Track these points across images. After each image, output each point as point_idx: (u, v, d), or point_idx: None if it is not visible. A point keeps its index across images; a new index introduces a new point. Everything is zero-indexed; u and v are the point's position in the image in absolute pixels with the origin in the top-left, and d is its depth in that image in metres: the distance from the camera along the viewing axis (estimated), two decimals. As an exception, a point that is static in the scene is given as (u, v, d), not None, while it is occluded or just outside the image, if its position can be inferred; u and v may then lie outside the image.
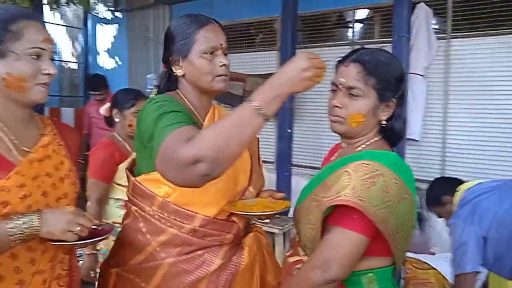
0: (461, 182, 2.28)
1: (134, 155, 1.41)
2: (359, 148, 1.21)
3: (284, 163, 4.29)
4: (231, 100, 4.79)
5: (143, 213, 1.27)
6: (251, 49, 5.18)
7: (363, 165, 1.09)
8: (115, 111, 2.36)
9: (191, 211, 1.23)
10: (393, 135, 1.24)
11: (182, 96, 1.31)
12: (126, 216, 1.37)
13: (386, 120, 1.21)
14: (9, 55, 1.08)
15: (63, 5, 5.94)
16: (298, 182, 4.27)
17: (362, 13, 4.57)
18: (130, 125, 2.29)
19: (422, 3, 3.79)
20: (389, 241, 1.10)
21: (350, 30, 4.56)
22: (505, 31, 3.56)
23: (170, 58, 1.31)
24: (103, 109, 2.46)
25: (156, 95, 1.32)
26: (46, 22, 6.05)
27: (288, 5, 4.03)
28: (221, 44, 1.29)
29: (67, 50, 7.15)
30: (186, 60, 1.28)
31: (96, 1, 6.43)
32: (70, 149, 1.29)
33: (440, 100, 3.85)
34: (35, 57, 1.10)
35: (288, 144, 4.30)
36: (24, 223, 1.03)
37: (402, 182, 1.09)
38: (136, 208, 1.29)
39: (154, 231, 1.25)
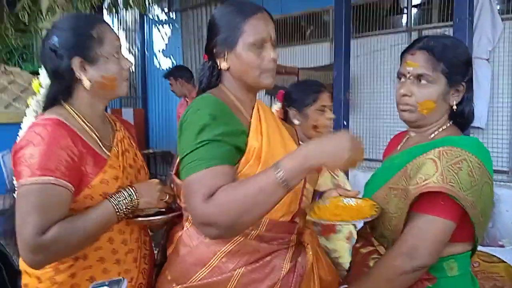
0: None
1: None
2: (433, 136, 1.20)
3: (340, 156, 4.21)
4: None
5: None
6: (303, 42, 5.14)
7: (446, 151, 1.09)
8: (292, 111, 1.89)
9: None
10: (463, 120, 1.22)
11: (227, 92, 1.20)
12: (181, 227, 1.24)
13: (456, 105, 1.19)
14: (99, 59, 1.19)
15: (121, 10, 6.21)
16: (355, 175, 4.20)
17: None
18: (314, 126, 1.86)
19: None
20: (475, 225, 1.10)
21: (405, 16, 4.40)
22: None
23: (215, 50, 1.18)
24: (274, 110, 1.96)
25: (200, 93, 1.22)
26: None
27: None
28: (271, 36, 1.16)
29: (125, 53, 7.47)
30: (232, 52, 1.15)
31: (151, 4, 6.66)
32: (136, 142, 1.42)
33: (506, 85, 3.63)
34: (116, 55, 1.22)
35: (344, 136, 4.22)
36: (125, 198, 1.17)
37: (483, 167, 1.09)
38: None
39: (218, 240, 1.13)
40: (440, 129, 1.21)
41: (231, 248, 1.13)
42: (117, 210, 1.16)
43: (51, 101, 1.23)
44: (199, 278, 1.14)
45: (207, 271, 1.14)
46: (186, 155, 1.05)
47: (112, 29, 1.27)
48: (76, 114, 1.21)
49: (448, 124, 1.21)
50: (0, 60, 2.84)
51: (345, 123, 4.15)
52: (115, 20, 7.36)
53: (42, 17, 5.33)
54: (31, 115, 1.34)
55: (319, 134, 1.79)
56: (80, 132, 1.19)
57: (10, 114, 2.64)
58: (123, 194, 1.18)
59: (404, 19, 4.43)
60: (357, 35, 4.56)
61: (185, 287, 1.15)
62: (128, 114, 6.57)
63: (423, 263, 1.07)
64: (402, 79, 1.20)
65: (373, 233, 1.26)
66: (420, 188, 1.07)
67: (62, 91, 1.22)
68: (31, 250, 1.06)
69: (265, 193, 0.94)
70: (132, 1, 5.98)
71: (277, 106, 2.01)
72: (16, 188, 1.10)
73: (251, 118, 1.19)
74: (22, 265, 1.21)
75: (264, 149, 1.13)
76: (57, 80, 1.21)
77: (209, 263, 1.14)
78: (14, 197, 1.40)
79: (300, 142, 1.42)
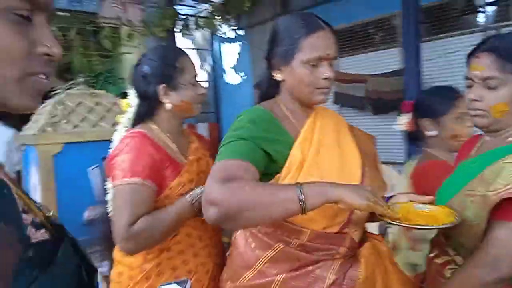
0: None
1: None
2: (510, 139, 1.14)
3: (414, 163, 4.06)
4: (352, 102, 4.74)
5: (250, 228, 1.23)
6: (371, 49, 5.06)
7: None
8: (425, 122, 1.75)
9: (297, 226, 1.14)
10: None
11: (282, 103, 1.24)
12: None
13: None
14: (180, 86, 1.43)
15: (193, 31, 6.55)
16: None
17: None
18: (454, 136, 1.67)
19: None
20: None
21: (480, 15, 4.18)
22: None
23: (273, 61, 1.22)
24: (402, 123, 1.86)
25: (258, 101, 1.29)
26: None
27: (406, -1, 3.86)
28: (328, 54, 1.15)
29: (197, 71, 7.83)
30: (288, 66, 1.17)
31: (220, 23, 6.94)
32: (209, 151, 1.62)
33: None
34: (193, 83, 1.46)
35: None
36: (198, 194, 1.34)
37: None
38: None
39: (261, 246, 1.19)
40: None
41: (272, 254, 1.16)
42: (193, 202, 1.34)
43: (139, 118, 1.47)
44: (246, 279, 1.20)
45: (252, 274, 1.19)
46: (219, 148, 1.11)
47: (191, 60, 1.49)
48: (158, 129, 1.45)
49: None
50: (87, 84, 3.13)
51: (418, 129, 4.00)
52: (189, 40, 7.74)
53: (122, 43, 5.80)
54: (122, 130, 1.55)
55: (460, 144, 1.53)
56: (161, 143, 1.41)
57: (97, 132, 2.89)
58: (197, 191, 1.36)
59: (479, 18, 4.20)
60: (427, 38, 4.40)
61: (235, 286, 1.23)
62: (202, 128, 6.85)
63: (505, 275, 1.01)
64: (469, 83, 1.16)
65: (448, 242, 1.21)
66: (501, 194, 1.02)
67: (148, 110, 1.46)
68: (124, 238, 1.27)
69: (281, 202, 0.95)
70: (203, 23, 6.30)
71: (405, 118, 1.84)
72: (112, 189, 1.36)
73: (302, 128, 1.20)
74: (116, 255, 1.45)
75: (308, 159, 1.13)
76: (144, 101, 1.46)
77: (254, 266, 1.19)
78: (105, 206, 1.62)
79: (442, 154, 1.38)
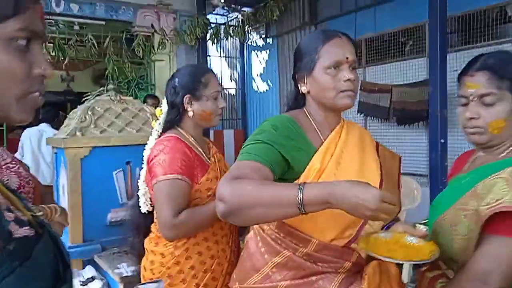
0: None
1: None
2: (503, 155, 1.16)
3: (437, 176, 4.00)
4: (378, 112, 4.72)
5: (261, 232, 1.27)
6: (399, 59, 5.03)
7: None
8: None
9: (306, 234, 1.17)
10: None
11: (307, 114, 1.28)
12: (248, 231, 1.38)
13: None
14: (202, 98, 1.65)
15: (223, 39, 6.70)
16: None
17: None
18: None
19: None
20: None
21: (508, 25, 4.09)
22: None
23: (297, 75, 1.29)
24: None
25: (285, 111, 1.34)
26: (209, 56, 6.93)
27: (434, 8, 3.83)
28: (347, 58, 1.20)
29: (227, 78, 7.97)
30: (311, 76, 1.23)
31: (249, 32, 7.06)
32: (223, 155, 1.87)
33: None
34: (214, 97, 1.67)
35: (442, 155, 4.01)
36: None
37: None
38: (256, 226, 1.30)
39: (270, 251, 1.22)
40: (511, 148, 1.17)
41: (279, 260, 1.19)
42: None
43: (168, 124, 1.70)
44: (253, 282, 1.24)
45: (259, 277, 1.23)
46: (242, 149, 1.16)
47: (216, 77, 1.72)
48: (186, 133, 1.68)
49: None
50: (119, 90, 3.28)
51: (442, 141, 3.95)
52: (219, 48, 7.90)
53: (154, 51, 6.01)
54: (155, 134, 1.75)
55: None
56: (191, 145, 1.64)
57: (123, 137, 3.01)
58: None
59: (508, 29, 4.11)
60: (454, 48, 4.34)
61: (243, 286, 1.28)
62: (229, 135, 6.97)
63: None
64: (464, 101, 1.18)
65: (440, 256, 1.24)
66: (493, 208, 1.03)
67: (175, 117, 1.68)
68: (168, 228, 1.48)
69: (280, 204, 0.98)
70: (232, 31, 6.44)
71: None
72: (154, 185, 1.54)
73: (327, 138, 1.24)
74: (149, 245, 1.65)
75: (326, 170, 1.16)
76: (172, 109, 1.69)
77: (261, 270, 1.23)
78: (132, 208, 1.80)
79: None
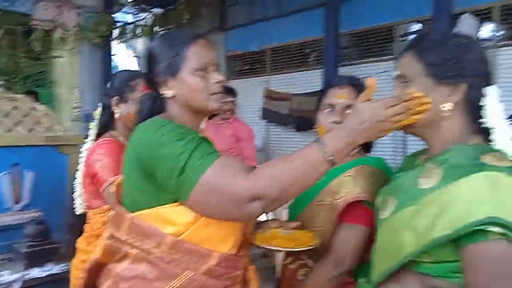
0: None
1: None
2: (347, 158, 1.36)
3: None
4: (279, 118, 4.98)
5: (147, 256, 1.06)
6: (302, 69, 5.35)
7: (362, 168, 1.30)
8: None
9: (207, 249, 1.06)
10: (367, 144, 1.39)
11: (174, 119, 1.15)
12: (119, 259, 1.11)
13: None
14: (130, 101, 1.70)
15: (130, 39, 6.55)
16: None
17: (404, 28, 4.57)
18: None
19: (467, 13, 3.75)
20: None
21: (397, 44, 4.57)
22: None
23: (156, 80, 1.16)
24: None
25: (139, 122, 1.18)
26: (116, 55, 6.67)
27: (329, 25, 4.17)
28: (214, 60, 1.16)
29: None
30: (176, 79, 1.13)
31: (159, 32, 6.99)
32: None
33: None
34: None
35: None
36: None
37: (386, 177, 1.27)
38: (136, 251, 1.07)
39: (163, 276, 1.05)
40: (351, 153, 1.37)
41: (177, 284, 1.05)
42: None
43: (103, 127, 1.76)
44: None
45: None
46: (185, 162, 0.96)
47: (144, 83, 1.65)
48: (118, 135, 1.73)
49: (357, 149, 1.36)
50: (8, 87, 3.07)
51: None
52: (128, 47, 7.71)
53: (54, 47, 5.70)
54: (93, 135, 1.84)
55: None
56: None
57: (12, 137, 2.84)
58: None
59: (396, 47, 4.59)
60: (346, 62, 4.74)
61: None
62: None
63: (348, 268, 1.22)
64: (329, 109, 1.36)
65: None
66: (346, 199, 1.24)
67: (106, 119, 1.74)
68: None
69: (312, 166, 0.95)
70: (141, 31, 6.34)
71: None
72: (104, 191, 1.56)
73: None
74: (80, 245, 1.73)
75: None
76: (104, 111, 1.75)
77: None
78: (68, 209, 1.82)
79: None
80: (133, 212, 1.08)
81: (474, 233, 0.81)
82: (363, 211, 1.22)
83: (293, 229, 1.27)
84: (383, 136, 0.98)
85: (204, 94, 1.14)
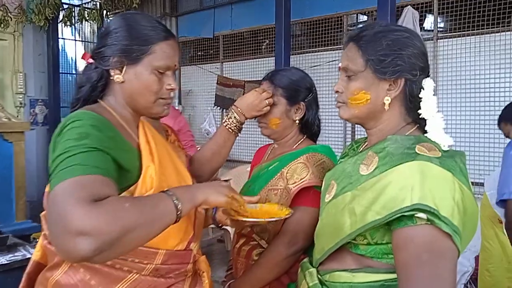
0: None
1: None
2: (295, 146, 1.49)
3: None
4: (231, 105, 5.01)
5: (88, 263, 0.95)
6: (255, 56, 5.40)
7: (311, 156, 1.40)
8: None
9: (152, 248, 1.02)
10: (312, 133, 1.54)
11: (109, 109, 1.07)
12: (54, 269, 1.02)
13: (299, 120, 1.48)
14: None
15: (77, 22, 6.31)
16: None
17: (353, 18, 4.74)
18: None
19: (409, 6, 3.94)
20: None
21: (345, 33, 4.73)
22: (487, 30, 3.68)
23: (111, 58, 1.05)
24: None
25: (75, 105, 1.10)
26: (63, 38, 6.39)
27: (279, 12, 4.24)
28: (175, 65, 1.12)
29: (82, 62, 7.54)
30: (133, 67, 1.05)
31: (108, 16, 6.76)
32: None
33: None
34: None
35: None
36: None
37: (333, 164, 1.39)
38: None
39: (106, 281, 0.99)
40: (299, 142, 1.50)
41: (124, 287, 1.00)
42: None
43: None
44: None
45: None
46: (61, 161, 0.85)
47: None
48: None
49: (304, 138, 1.51)
50: None
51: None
52: (75, 32, 7.42)
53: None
54: None
55: None
56: None
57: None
58: None
59: (345, 37, 4.74)
60: (297, 51, 4.85)
61: None
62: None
63: (301, 246, 1.33)
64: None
65: (253, 230, 1.47)
66: (300, 185, 1.34)
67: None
68: None
69: (160, 216, 0.88)
70: (88, 15, 6.12)
71: None
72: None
73: (138, 139, 1.09)
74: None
75: (156, 170, 1.04)
76: None
77: None
78: None
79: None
80: None
81: (403, 218, 0.86)
82: (314, 195, 1.32)
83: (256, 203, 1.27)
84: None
85: (154, 96, 1.08)
